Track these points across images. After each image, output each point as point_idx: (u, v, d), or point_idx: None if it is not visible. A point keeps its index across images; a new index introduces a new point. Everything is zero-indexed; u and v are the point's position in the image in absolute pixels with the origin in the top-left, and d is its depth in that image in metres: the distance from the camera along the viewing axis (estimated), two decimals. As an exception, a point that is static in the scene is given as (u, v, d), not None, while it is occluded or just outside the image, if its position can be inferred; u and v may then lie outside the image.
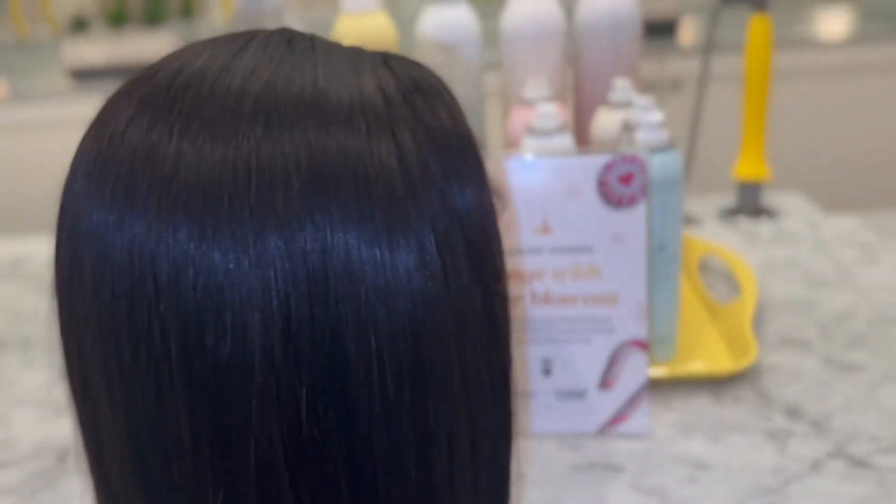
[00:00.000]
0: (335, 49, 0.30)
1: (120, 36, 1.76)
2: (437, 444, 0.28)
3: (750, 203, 0.81)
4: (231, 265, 0.24)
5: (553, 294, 0.46)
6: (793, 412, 0.49)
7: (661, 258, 0.50)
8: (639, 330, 0.46)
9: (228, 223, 0.24)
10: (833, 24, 1.99)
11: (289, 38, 0.30)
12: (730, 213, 0.82)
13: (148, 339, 0.25)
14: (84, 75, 1.82)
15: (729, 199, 0.84)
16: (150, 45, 1.79)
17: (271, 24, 0.32)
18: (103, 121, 0.28)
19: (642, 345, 0.46)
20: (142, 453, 0.27)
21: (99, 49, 1.80)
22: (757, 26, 0.76)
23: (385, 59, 0.30)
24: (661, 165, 0.49)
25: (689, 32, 1.96)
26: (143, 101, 0.27)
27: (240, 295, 0.24)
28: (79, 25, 1.78)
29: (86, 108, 0.31)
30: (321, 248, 0.25)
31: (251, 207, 0.25)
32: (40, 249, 0.84)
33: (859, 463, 0.44)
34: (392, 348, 0.26)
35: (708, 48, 0.83)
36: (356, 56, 0.30)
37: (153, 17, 1.78)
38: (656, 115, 0.49)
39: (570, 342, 0.47)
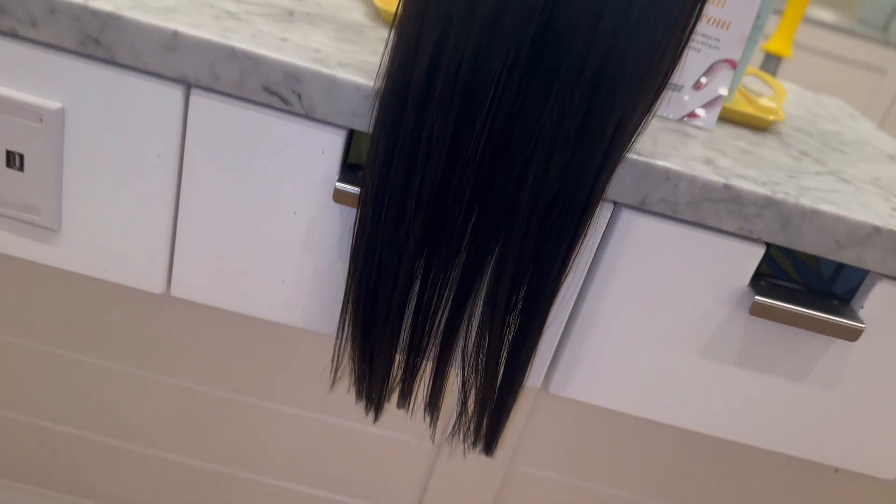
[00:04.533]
0: None
1: None
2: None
3: (770, 70, 1.02)
4: None
5: (686, 9, 0.65)
6: (803, 153, 0.70)
7: (754, 35, 0.69)
8: (735, 53, 0.65)
9: None
10: None
11: None
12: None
13: None
14: None
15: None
16: None
17: None
18: None
19: (733, 64, 0.65)
20: None
21: None
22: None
23: None
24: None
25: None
26: None
27: None
28: None
29: None
30: None
31: None
32: None
33: (845, 181, 0.65)
34: None
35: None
36: None
37: None
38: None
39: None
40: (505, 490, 0.92)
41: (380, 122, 0.53)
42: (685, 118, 0.67)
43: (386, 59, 0.52)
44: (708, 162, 0.59)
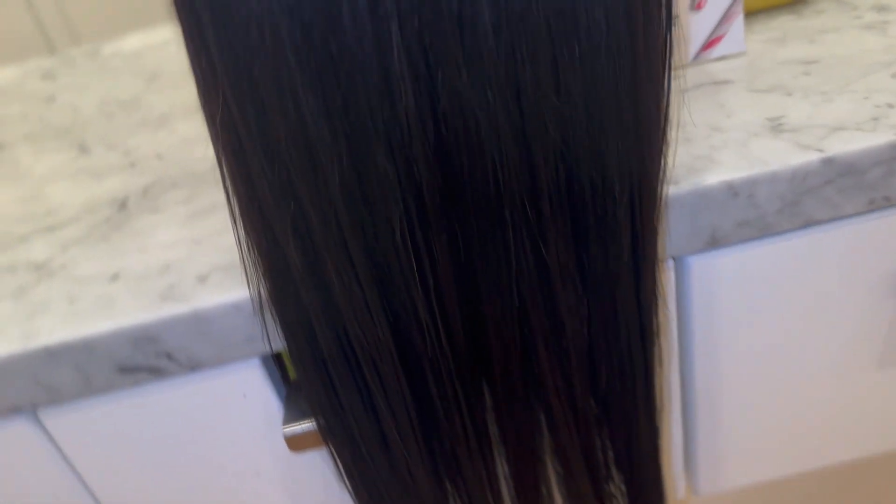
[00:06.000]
0: None
1: None
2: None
3: None
4: None
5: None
6: (881, 8, 0.47)
7: None
8: (726, -68, 0.42)
9: None
10: None
11: None
12: None
13: None
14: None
15: None
16: None
17: None
18: None
19: (731, -51, 0.43)
20: None
21: None
22: None
23: None
24: None
25: None
26: None
27: None
28: None
29: None
30: None
31: None
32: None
33: (967, 27, 0.42)
34: None
35: None
36: None
37: None
38: None
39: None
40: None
41: (291, 338, 0.34)
42: (701, 53, 0.45)
43: (247, 257, 0.33)
44: (775, 126, 0.37)
